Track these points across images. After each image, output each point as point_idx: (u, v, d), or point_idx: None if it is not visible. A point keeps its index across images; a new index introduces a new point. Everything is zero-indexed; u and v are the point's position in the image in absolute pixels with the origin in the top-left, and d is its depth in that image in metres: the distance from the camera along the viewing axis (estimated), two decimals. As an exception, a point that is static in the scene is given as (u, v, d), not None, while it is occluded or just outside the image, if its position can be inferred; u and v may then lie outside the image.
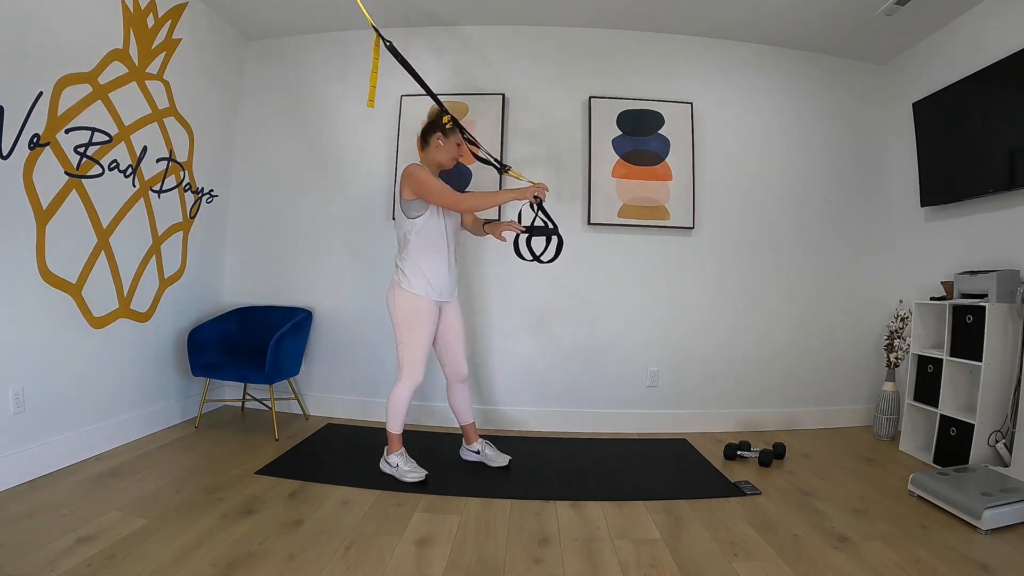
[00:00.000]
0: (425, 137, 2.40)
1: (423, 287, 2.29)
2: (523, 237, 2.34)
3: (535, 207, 2.35)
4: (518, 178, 2.58)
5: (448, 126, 2.38)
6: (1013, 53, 2.54)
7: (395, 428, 2.35)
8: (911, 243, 3.33)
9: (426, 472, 2.33)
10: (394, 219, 3.27)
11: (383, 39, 2.39)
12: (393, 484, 2.28)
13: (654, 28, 3.33)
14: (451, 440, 2.82)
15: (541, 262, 2.36)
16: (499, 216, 3.18)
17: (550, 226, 2.34)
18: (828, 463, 2.71)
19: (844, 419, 3.42)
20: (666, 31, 3.35)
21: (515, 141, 3.30)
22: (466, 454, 2.59)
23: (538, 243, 2.37)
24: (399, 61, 2.40)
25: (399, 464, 2.33)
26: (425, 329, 2.32)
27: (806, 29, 3.22)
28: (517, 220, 2.38)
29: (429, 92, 2.48)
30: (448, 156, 2.39)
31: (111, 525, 1.79)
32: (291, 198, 3.44)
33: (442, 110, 2.49)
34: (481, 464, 2.56)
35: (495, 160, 2.62)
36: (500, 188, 3.17)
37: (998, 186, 2.63)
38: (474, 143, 2.59)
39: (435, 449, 2.63)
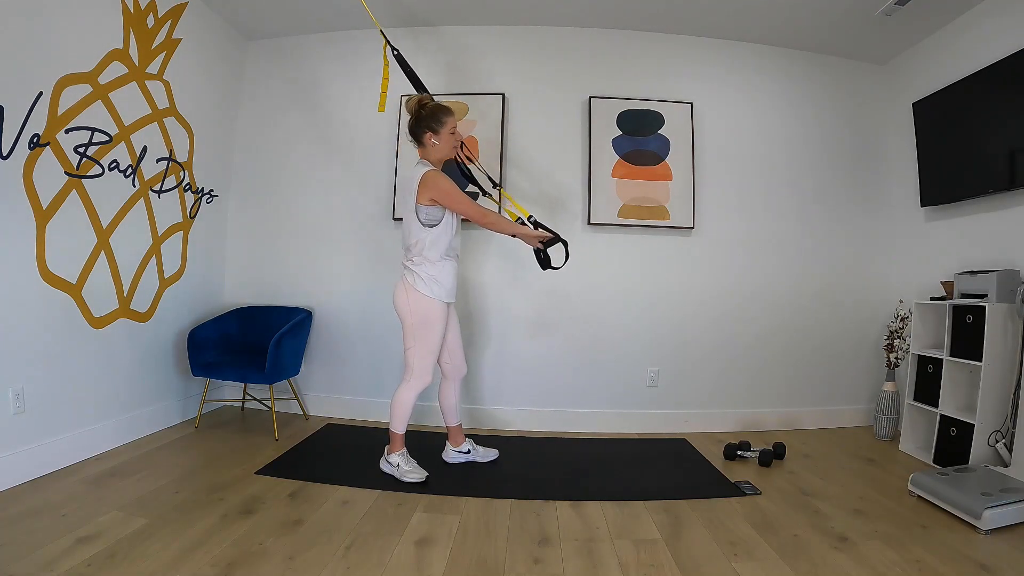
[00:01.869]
0: (416, 138, 2.33)
1: (437, 291, 2.28)
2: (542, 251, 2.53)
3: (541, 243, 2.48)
4: (509, 199, 2.61)
5: (429, 104, 2.32)
6: (1013, 53, 2.54)
7: (398, 429, 2.35)
8: (911, 243, 3.33)
9: (427, 473, 2.33)
10: (395, 219, 3.28)
11: (391, 47, 2.45)
12: (393, 484, 2.28)
13: (654, 28, 3.33)
14: (451, 440, 2.82)
15: (555, 269, 2.53)
16: None
17: (556, 236, 2.49)
18: (828, 463, 2.71)
19: (844, 419, 3.42)
20: (666, 31, 3.35)
21: (515, 141, 3.30)
22: (453, 456, 2.58)
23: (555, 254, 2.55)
24: (404, 69, 2.46)
25: (400, 464, 2.33)
26: (438, 332, 2.32)
27: (806, 29, 3.22)
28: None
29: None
30: (449, 147, 2.33)
31: (111, 525, 1.79)
32: (291, 198, 3.44)
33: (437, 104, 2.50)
34: (475, 464, 2.57)
35: (489, 177, 2.67)
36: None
37: (998, 186, 2.63)
38: (471, 158, 2.60)
39: (435, 449, 2.63)
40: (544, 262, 2.50)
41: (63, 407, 2.32)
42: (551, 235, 2.45)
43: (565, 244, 2.47)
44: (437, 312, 2.29)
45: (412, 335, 2.30)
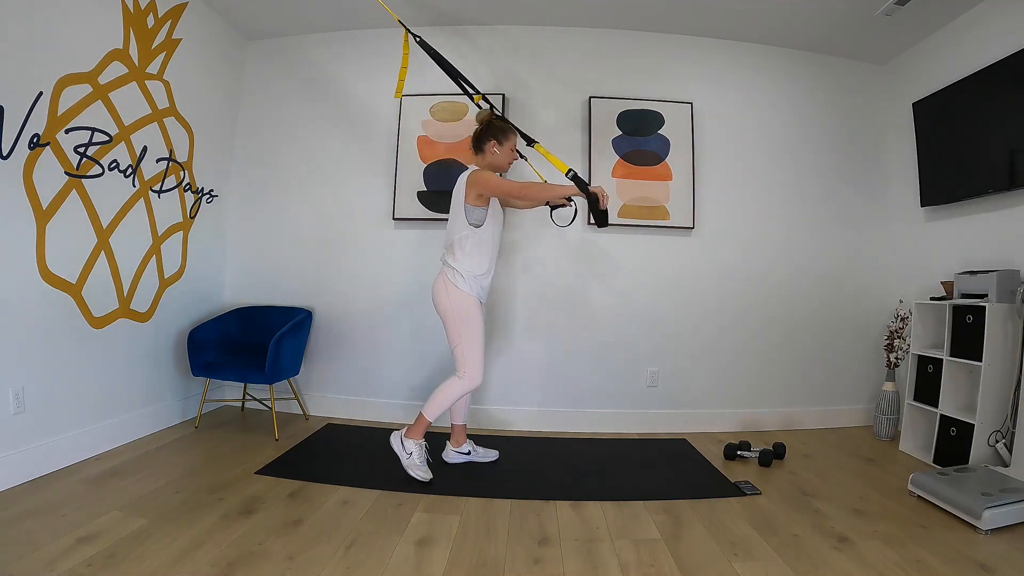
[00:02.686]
0: (479, 144, 2.41)
1: (476, 289, 2.35)
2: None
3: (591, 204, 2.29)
4: (545, 155, 2.50)
5: (486, 117, 2.42)
6: (1013, 53, 2.54)
7: (431, 415, 2.34)
8: (911, 243, 3.33)
9: (431, 475, 2.32)
10: (395, 219, 3.28)
11: (412, 34, 2.50)
12: (393, 484, 2.27)
13: (654, 28, 3.33)
14: (451, 440, 2.82)
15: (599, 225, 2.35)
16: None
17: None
18: (828, 463, 2.71)
19: (844, 419, 3.42)
20: (666, 31, 3.35)
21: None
22: (453, 456, 2.59)
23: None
24: (430, 55, 2.54)
25: (414, 453, 2.33)
26: (480, 325, 2.38)
27: (806, 29, 3.22)
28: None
29: (460, 84, 2.59)
30: (507, 160, 2.44)
31: (111, 525, 1.79)
32: (291, 198, 3.44)
33: (488, 109, 2.58)
34: (475, 464, 2.58)
35: (522, 135, 2.60)
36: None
37: (998, 186, 2.63)
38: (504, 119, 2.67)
39: (435, 449, 2.62)
40: (598, 218, 2.29)
41: (63, 407, 2.32)
42: (580, 190, 2.26)
43: (592, 199, 2.25)
44: (476, 307, 2.36)
45: (457, 331, 2.35)
